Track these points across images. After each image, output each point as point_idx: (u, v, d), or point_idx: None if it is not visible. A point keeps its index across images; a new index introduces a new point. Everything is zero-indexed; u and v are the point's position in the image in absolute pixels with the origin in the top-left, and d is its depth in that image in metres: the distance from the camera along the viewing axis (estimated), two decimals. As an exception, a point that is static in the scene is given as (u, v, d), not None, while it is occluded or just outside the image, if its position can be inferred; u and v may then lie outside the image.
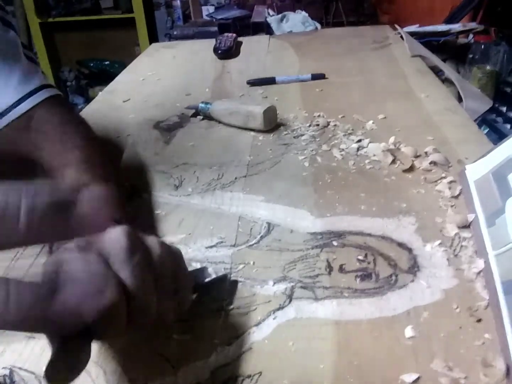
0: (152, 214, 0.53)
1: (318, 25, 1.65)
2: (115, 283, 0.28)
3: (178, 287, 0.34)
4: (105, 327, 0.28)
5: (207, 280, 0.42)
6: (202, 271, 0.43)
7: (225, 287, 0.42)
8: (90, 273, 0.28)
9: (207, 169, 0.62)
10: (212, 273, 0.43)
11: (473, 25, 1.34)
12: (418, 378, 0.33)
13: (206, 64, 1.09)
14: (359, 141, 0.65)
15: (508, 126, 1.05)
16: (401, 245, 0.45)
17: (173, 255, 0.34)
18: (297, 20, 1.60)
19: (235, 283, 0.43)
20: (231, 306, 0.40)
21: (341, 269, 0.43)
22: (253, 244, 0.47)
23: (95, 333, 0.28)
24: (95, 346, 0.36)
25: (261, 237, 0.48)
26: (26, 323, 0.22)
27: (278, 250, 0.46)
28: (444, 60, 1.17)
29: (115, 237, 0.31)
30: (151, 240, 0.33)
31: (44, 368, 0.25)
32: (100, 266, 0.29)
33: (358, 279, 0.42)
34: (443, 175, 0.56)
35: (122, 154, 0.67)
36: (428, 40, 1.27)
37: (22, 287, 0.22)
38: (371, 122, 0.70)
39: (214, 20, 2.76)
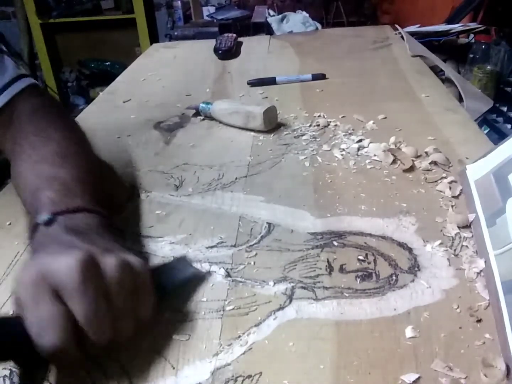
0: (152, 214, 0.53)
1: (319, 25, 1.64)
2: (62, 324, 0.30)
3: (138, 303, 0.35)
4: (57, 361, 0.32)
5: (173, 283, 0.42)
6: (179, 261, 0.44)
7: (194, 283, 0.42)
8: (39, 313, 0.30)
9: (207, 169, 0.62)
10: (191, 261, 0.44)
11: (473, 25, 1.34)
12: (418, 378, 0.33)
13: (206, 65, 1.10)
14: (360, 141, 0.65)
15: (509, 126, 1.05)
16: (401, 245, 0.45)
17: (133, 272, 0.35)
18: (298, 20, 1.60)
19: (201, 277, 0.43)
20: (232, 306, 0.40)
21: (342, 269, 0.43)
22: (253, 244, 0.47)
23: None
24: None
25: (262, 237, 0.48)
26: None
27: (278, 250, 0.46)
28: (444, 60, 1.17)
29: (65, 267, 0.31)
30: (108, 261, 0.33)
31: None
32: (47, 306, 0.30)
33: (358, 279, 0.42)
34: (444, 175, 0.56)
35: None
36: (428, 40, 1.27)
37: None
38: (371, 122, 0.70)
39: (214, 20, 2.75)
